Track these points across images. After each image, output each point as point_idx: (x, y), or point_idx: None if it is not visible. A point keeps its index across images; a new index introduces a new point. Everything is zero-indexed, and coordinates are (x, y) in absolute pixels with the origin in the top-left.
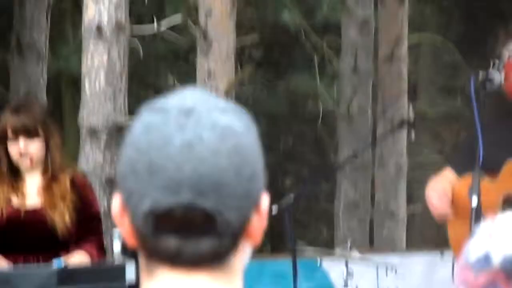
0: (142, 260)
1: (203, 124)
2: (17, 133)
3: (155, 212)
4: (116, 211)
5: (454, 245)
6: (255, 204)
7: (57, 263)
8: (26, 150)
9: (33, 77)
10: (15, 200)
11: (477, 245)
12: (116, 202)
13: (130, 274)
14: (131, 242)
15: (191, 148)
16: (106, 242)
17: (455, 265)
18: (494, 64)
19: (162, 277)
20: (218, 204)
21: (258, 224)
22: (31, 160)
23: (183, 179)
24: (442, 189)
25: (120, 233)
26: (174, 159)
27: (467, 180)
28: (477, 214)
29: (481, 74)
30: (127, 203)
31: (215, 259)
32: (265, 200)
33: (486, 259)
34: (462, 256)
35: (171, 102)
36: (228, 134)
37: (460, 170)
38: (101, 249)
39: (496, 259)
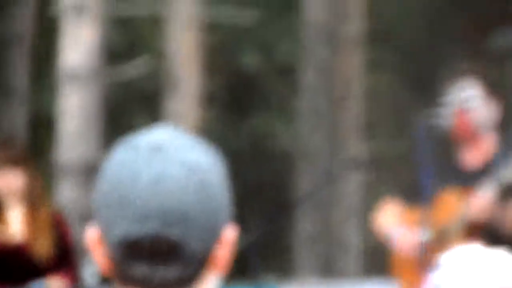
0: (117, 286)
1: (170, 160)
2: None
3: (126, 241)
4: (92, 241)
5: (398, 270)
6: (219, 236)
7: (37, 286)
8: (10, 183)
9: (15, 118)
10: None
11: (442, 282)
12: (92, 232)
13: None
14: (106, 270)
15: (158, 183)
16: (79, 272)
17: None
18: (441, 109)
19: None
20: (184, 235)
21: (223, 254)
22: (14, 192)
23: (150, 212)
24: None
25: (95, 262)
26: (141, 193)
27: (411, 213)
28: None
29: (428, 116)
30: (102, 233)
31: (181, 285)
32: (230, 232)
33: None
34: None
35: (142, 139)
36: (194, 170)
37: (406, 200)
38: (75, 277)
39: None
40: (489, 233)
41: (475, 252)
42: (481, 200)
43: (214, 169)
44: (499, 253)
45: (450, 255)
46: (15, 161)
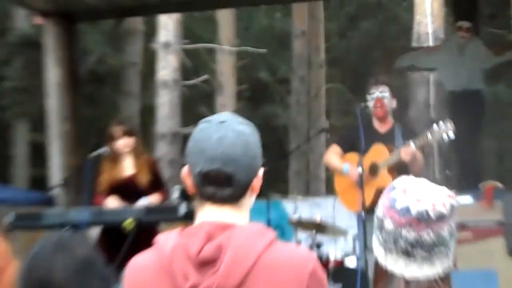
0: (196, 200)
1: (227, 129)
2: (121, 134)
3: (202, 173)
4: (184, 173)
5: (340, 192)
6: (255, 173)
7: (142, 200)
8: (127, 143)
9: (132, 108)
10: (118, 172)
11: (399, 198)
12: (185, 169)
13: (182, 210)
14: (191, 190)
15: (220, 141)
16: (168, 193)
17: (335, 206)
18: (368, 99)
19: (206, 209)
20: (234, 170)
21: (257, 183)
22: (129, 147)
23: (216, 157)
24: (336, 155)
25: (181, 187)
26: (211, 146)
27: (349, 155)
28: (361, 178)
29: (362, 105)
30: (189, 169)
31: (234, 200)
32: (260, 171)
33: (407, 210)
34: (389, 202)
35: (213, 117)
36: (241, 134)
37: (343, 148)
38: (165, 196)
39: (413, 211)
40: (405, 170)
41: (416, 180)
42: (409, 150)
43: (253, 135)
44: (426, 182)
45: (401, 180)
46: (128, 132)
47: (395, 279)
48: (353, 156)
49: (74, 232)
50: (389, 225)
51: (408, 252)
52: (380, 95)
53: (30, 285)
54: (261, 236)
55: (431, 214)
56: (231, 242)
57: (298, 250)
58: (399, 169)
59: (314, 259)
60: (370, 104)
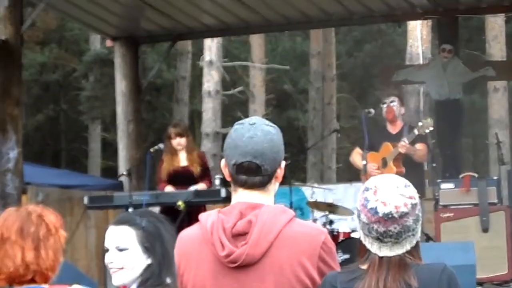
0: (232, 186)
1: (257, 129)
2: (176, 135)
3: (236, 165)
4: (223, 165)
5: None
6: (279, 164)
7: (193, 187)
8: (180, 142)
9: (181, 114)
10: (176, 163)
11: (370, 199)
12: (223, 161)
13: (223, 193)
14: (228, 178)
15: (251, 139)
16: (212, 180)
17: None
18: (382, 107)
19: (239, 192)
20: (262, 162)
21: (280, 173)
22: (182, 146)
23: (247, 152)
24: (359, 155)
25: (221, 176)
26: (243, 143)
27: (370, 154)
28: (364, 166)
29: (365, 111)
30: (226, 161)
31: (261, 186)
32: (283, 163)
33: (375, 211)
34: (363, 200)
35: (245, 120)
36: (267, 133)
37: (362, 149)
38: (210, 183)
39: (380, 212)
40: (407, 159)
41: (385, 181)
42: (403, 144)
43: (277, 134)
44: (399, 178)
45: (372, 181)
46: (180, 134)
47: (372, 254)
48: (372, 155)
49: (144, 211)
50: (363, 219)
51: (380, 239)
52: (390, 104)
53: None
54: (282, 214)
55: (395, 214)
56: (258, 219)
57: (312, 225)
58: (404, 159)
59: (325, 233)
60: (384, 110)
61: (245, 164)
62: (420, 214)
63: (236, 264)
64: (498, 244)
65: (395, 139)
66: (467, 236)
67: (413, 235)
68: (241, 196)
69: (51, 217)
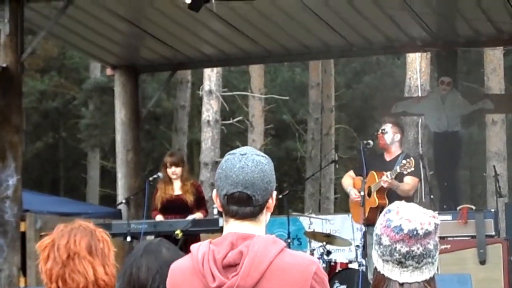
0: (223, 216)
1: (248, 159)
2: (171, 164)
3: (227, 195)
4: (214, 195)
5: (351, 207)
6: (270, 194)
7: (190, 217)
8: (175, 172)
9: (180, 143)
10: (169, 192)
11: (393, 218)
12: (214, 191)
13: (221, 223)
14: (220, 208)
15: (242, 169)
16: (210, 210)
17: (353, 223)
18: (374, 136)
19: (231, 223)
20: (253, 192)
21: (272, 203)
22: (177, 175)
23: (238, 182)
24: (350, 181)
25: (215, 207)
26: (234, 174)
27: (357, 179)
28: (363, 199)
29: (363, 142)
30: (217, 192)
31: (253, 216)
32: (274, 193)
33: (400, 228)
34: (385, 222)
35: (236, 150)
36: (259, 164)
37: (356, 173)
38: (207, 212)
39: (405, 229)
40: (390, 192)
41: (407, 204)
42: (385, 179)
43: (268, 164)
44: (415, 206)
45: (395, 204)
46: (175, 163)
47: (391, 282)
48: (359, 180)
49: (161, 240)
50: (385, 241)
51: (402, 263)
52: (380, 132)
53: (125, 280)
54: (273, 244)
55: (420, 231)
56: (250, 250)
57: (303, 256)
58: (389, 192)
59: (316, 263)
60: (375, 137)
61: (236, 195)
62: (439, 243)
63: None
64: (495, 276)
65: (388, 166)
66: (464, 268)
67: (432, 263)
68: (232, 226)
69: (105, 234)
